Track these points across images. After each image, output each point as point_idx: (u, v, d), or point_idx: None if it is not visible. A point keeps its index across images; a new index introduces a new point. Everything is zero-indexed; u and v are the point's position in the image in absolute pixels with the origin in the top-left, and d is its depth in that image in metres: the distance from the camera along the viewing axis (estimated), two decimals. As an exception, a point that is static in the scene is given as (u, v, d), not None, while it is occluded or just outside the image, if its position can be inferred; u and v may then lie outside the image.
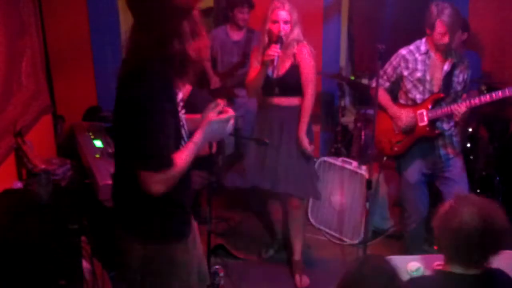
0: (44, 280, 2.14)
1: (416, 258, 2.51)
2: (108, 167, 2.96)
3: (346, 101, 5.01)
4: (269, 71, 3.24)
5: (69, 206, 2.47)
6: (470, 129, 4.12)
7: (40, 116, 3.57)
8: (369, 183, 3.20)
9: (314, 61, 3.32)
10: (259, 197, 3.83)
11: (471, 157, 4.03)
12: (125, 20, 4.59)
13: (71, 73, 4.35)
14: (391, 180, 3.99)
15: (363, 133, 4.40)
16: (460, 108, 3.16)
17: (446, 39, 3.16)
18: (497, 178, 3.99)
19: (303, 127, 3.29)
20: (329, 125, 4.94)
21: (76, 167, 3.42)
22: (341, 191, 4.12)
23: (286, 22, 3.17)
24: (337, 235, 4.09)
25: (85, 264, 2.55)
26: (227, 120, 1.99)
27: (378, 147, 3.53)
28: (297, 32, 3.23)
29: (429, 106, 3.28)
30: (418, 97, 3.33)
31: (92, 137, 3.67)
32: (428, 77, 3.30)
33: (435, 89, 3.30)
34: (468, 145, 4.07)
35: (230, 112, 1.99)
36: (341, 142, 4.66)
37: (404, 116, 3.34)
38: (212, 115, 1.97)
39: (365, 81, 4.67)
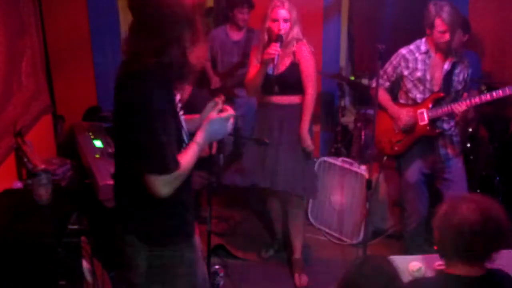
0: (44, 280, 2.14)
1: (417, 258, 2.51)
2: (108, 167, 2.96)
3: (346, 101, 5.01)
4: (269, 69, 3.24)
5: (69, 206, 2.47)
6: (470, 129, 4.12)
7: (40, 116, 3.57)
8: (369, 183, 3.20)
9: (314, 60, 3.33)
10: (259, 197, 3.83)
11: (471, 157, 4.03)
12: (125, 20, 4.59)
13: (71, 73, 4.35)
14: (391, 180, 3.99)
15: (363, 133, 4.40)
16: (461, 107, 3.16)
17: (446, 37, 3.16)
18: (497, 178, 3.99)
19: (305, 125, 3.30)
20: (329, 125, 4.94)
21: (76, 167, 3.42)
22: (341, 191, 4.11)
23: (285, 21, 3.18)
24: (337, 235, 4.09)
25: (85, 264, 2.54)
26: (227, 119, 1.99)
27: (378, 147, 3.53)
28: (296, 31, 3.23)
29: (430, 105, 3.28)
30: (419, 96, 3.33)
31: (92, 137, 3.67)
32: (428, 77, 3.30)
33: (435, 88, 3.30)
34: (468, 145, 4.06)
35: (230, 111, 2.00)
36: (341, 142, 4.66)
37: (405, 115, 3.34)
38: (212, 114, 1.97)
39: (365, 81, 4.66)
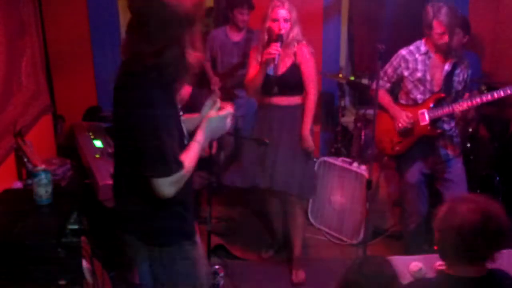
0: (44, 280, 2.13)
1: (417, 258, 2.51)
2: (108, 167, 2.96)
3: (346, 101, 5.02)
4: (269, 70, 3.25)
5: (69, 206, 2.47)
6: (470, 129, 4.12)
7: (40, 116, 3.57)
8: (369, 183, 3.20)
9: (314, 61, 3.34)
10: (259, 197, 3.83)
11: (471, 157, 4.03)
12: (125, 20, 4.54)
13: (71, 73, 4.35)
14: (391, 180, 3.99)
15: (363, 133, 4.40)
16: (462, 107, 3.16)
17: (445, 39, 3.16)
18: (497, 178, 3.99)
19: (307, 126, 3.31)
20: (329, 125, 4.94)
21: (76, 167, 3.42)
22: (341, 191, 4.12)
23: (286, 21, 3.18)
24: (337, 235, 4.09)
25: (85, 264, 2.54)
26: (226, 116, 2.01)
27: (379, 147, 3.53)
28: (296, 31, 3.24)
29: (430, 106, 3.28)
30: (419, 97, 3.33)
31: (92, 137, 3.67)
32: (428, 77, 3.30)
33: (436, 89, 3.30)
34: (468, 145, 4.07)
35: (229, 108, 2.01)
36: (341, 142, 4.66)
37: (405, 116, 3.34)
38: (211, 113, 1.98)
39: (365, 81, 4.66)
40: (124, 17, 4.47)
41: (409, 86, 3.36)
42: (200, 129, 1.96)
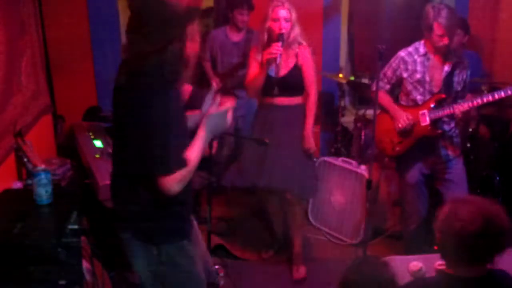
0: (44, 280, 2.13)
1: (417, 258, 2.51)
2: (108, 167, 2.93)
3: (346, 101, 5.02)
4: (271, 71, 3.26)
5: (69, 206, 2.47)
6: (470, 129, 4.12)
7: (40, 116, 3.57)
8: (369, 183, 3.20)
9: (314, 62, 3.39)
10: (259, 197, 3.83)
11: (472, 158, 4.03)
12: (125, 20, 4.57)
13: (71, 73, 4.35)
14: (391, 180, 3.99)
15: (363, 133, 4.40)
16: (463, 107, 3.16)
17: (445, 41, 3.16)
18: (497, 178, 3.99)
19: (309, 127, 3.34)
20: (329, 125, 4.94)
21: (76, 167, 3.42)
22: (341, 191, 4.11)
23: (286, 20, 3.20)
24: (337, 235, 4.09)
25: (85, 264, 2.54)
26: (226, 112, 2.02)
27: (379, 147, 3.53)
28: (297, 31, 3.26)
29: (431, 107, 3.28)
30: (419, 98, 3.33)
31: (92, 137, 3.67)
32: (427, 78, 3.29)
33: (435, 90, 3.30)
34: (468, 145, 4.07)
35: (229, 103, 2.03)
36: (341, 142, 4.66)
37: (406, 116, 3.33)
38: (211, 109, 1.99)
39: (365, 80, 4.67)
40: (124, 17, 4.46)
41: (409, 87, 3.36)
42: (202, 125, 1.97)
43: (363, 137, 4.40)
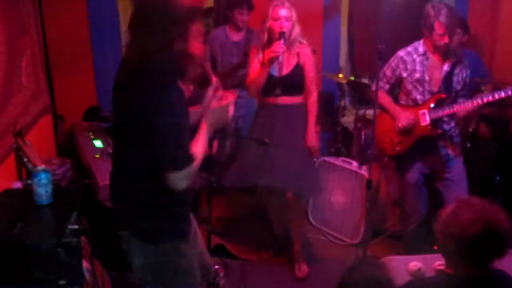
0: (44, 280, 2.13)
1: (416, 258, 2.51)
2: (108, 167, 2.93)
3: (346, 101, 5.02)
4: (272, 70, 3.27)
5: (69, 206, 2.47)
6: (470, 129, 4.12)
7: (40, 116, 3.57)
8: (369, 183, 3.20)
9: (315, 61, 3.44)
10: (259, 197, 3.83)
11: (472, 157, 4.04)
12: (125, 20, 4.58)
13: (71, 73, 4.35)
14: (391, 180, 3.99)
15: (363, 133, 4.40)
16: (463, 107, 3.16)
17: (445, 40, 3.17)
18: (497, 178, 3.99)
19: (312, 125, 3.39)
20: (329, 125, 4.94)
21: (76, 167, 3.42)
22: (341, 191, 4.11)
23: (287, 19, 3.23)
24: (337, 235, 4.09)
25: (85, 264, 2.54)
26: (227, 106, 2.05)
27: (379, 147, 3.53)
28: (298, 30, 3.28)
29: (431, 106, 3.28)
30: (419, 97, 3.34)
31: (92, 137, 3.67)
32: (427, 78, 3.30)
33: (435, 89, 3.30)
34: (468, 145, 4.07)
35: (230, 97, 2.06)
36: (341, 142, 4.66)
37: (405, 116, 3.34)
38: (212, 104, 2.01)
39: (365, 80, 4.67)
40: (124, 17, 4.46)
41: (408, 87, 3.36)
42: (204, 120, 2.00)
43: (363, 137, 4.40)
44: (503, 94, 3.06)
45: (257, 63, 3.37)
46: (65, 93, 4.28)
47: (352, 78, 4.74)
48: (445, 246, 1.87)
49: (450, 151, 3.39)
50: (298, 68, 3.34)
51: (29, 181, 2.79)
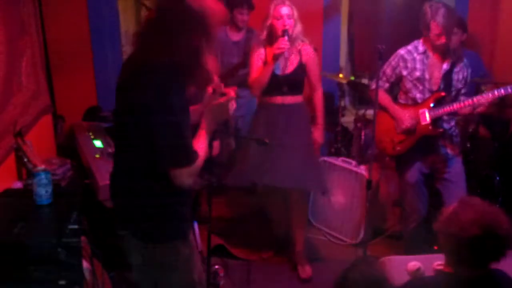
0: (44, 280, 2.13)
1: (416, 258, 2.51)
2: (108, 167, 2.94)
3: (346, 101, 5.02)
4: (276, 69, 3.28)
5: (69, 206, 2.47)
6: (470, 129, 4.12)
7: (40, 116, 3.57)
8: (369, 183, 3.20)
9: (317, 59, 3.49)
10: (259, 197, 3.83)
11: (471, 157, 4.04)
12: (125, 20, 4.60)
13: (71, 73, 4.35)
14: (391, 180, 3.99)
15: (363, 133, 4.40)
16: (463, 105, 3.16)
17: (442, 40, 3.17)
18: (497, 178, 3.99)
19: (321, 121, 3.47)
20: (329, 125, 4.94)
21: (76, 167, 3.42)
22: (341, 191, 4.11)
23: (289, 17, 3.25)
24: (337, 235, 4.09)
25: (85, 264, 2.54)
26: (227, 102, 2.05)
27: (379, 147, 3.53)
28: (300, 27, 3.30)
29: (431, 105, 3.28)
30: (418, 96, 3.33)
31: (92, 137, 3.66)
32: (427, 76, 3.30)
33: (435, 88, 3.30)
34: (468, 145, 4.07)
35: (230, 94, 2.07)
36: (341, 142, 4.66)
37: (406, 116, 3.33)
38: (212, 100, 2.04)
39: (365, 81, 4.67)
40: (124, 17, 4.47)
41: (408, 85, 3.36)
42: (204, 117, 2.02)
43: (363, 137, 4.40)
44: (502, 92, 3.07)
45: (259, 61, 3.38)
46: (65, 93, 4.28)
47: (352, 78, 4.74)
48: (445, 246, 1.87)
49: (449, 151, 3.39)
50: (301, 67, 3.36)
51: (29, 181, 2.79)
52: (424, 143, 3.36)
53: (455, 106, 3.19)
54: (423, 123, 3.30)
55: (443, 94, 3.27)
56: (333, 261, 3.72)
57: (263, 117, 3.48)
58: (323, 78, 4.65)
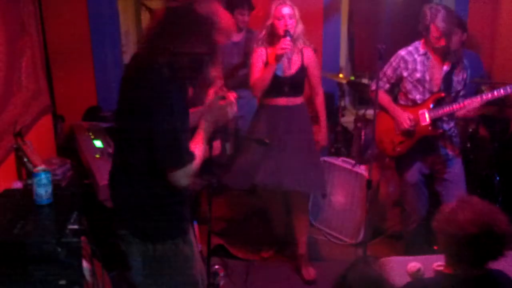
0: (44, 280, 2.14)
1: (416, 259, 2.52)
2: (108, 167, 2.93)
3: (346, 101, 5.02)
4: (278, 70, 3.28)
5: (69, 206, 2.47)
6: (470, 129, 4.12)
7: (40, 116, 3.57)
8: (369, 183, 3.21)
9: (318, 61, 3.51)
10: (259, 197, 3.83)
11: (471, 157, 4.03)
12: (125, 20, 4.60)
13: (71, 73, 4.35)
14: (391, 180, 3.99)
15: (363, 133, 4.40)
16: (462, 105, 3.17)
17: (442, 42, 3.17)
18: (497, 178, 3.99)
19: (324, 122, 3.52)
20: (329, 125, 4.93)
21: (76, 167, 3.42)
22: (341, 191, 4.12)
23: (291, 17, 3.24)
24: (337, 235, 4.09)
25: (85, 264, 2.54)
26: (227, 105, 2.07)
27: (380, 147, 3.53)
28: (301, 27, 3.30)
29: (430, 106, 3.28)
30: (418, 97, 3.34)
31: (92, 137, 3.66)
32: (427, 78, 3.30)
33: (435, 89, 3.31)
34: (468, 145, 4.07)
35: (232, 97, 2.08)
36: (341, 142, 4.66)
37: (406, 117, 3.33)
38: (212, 102, 2.05)
39: (365, 81, 4.67)
40: (124, 17, 4.46)
41: (408, 86, 3.36)
42: (203, 118, 2.03)
43: (363, 137, 4.40)
44: (502, 92, 3.07)
45: (261, 62, 3.37)
46: (65, 93, 4.28)
47: (352, 78, 4.74)
48: (444, 245, 1.88)
49: (449, 151, 3.39)
50: (303, 69, 3.37)
51: (29, 181, 2.79)
52: (424, 144, 3.36)
53: (455, 107, 3.19)
54: (423, 124, 3.30)
55: (442, 95, 3.27)
56: (333, 261, 3.73)
57: (264, 118, 3.48)
58: (323, 78, 4.67)
